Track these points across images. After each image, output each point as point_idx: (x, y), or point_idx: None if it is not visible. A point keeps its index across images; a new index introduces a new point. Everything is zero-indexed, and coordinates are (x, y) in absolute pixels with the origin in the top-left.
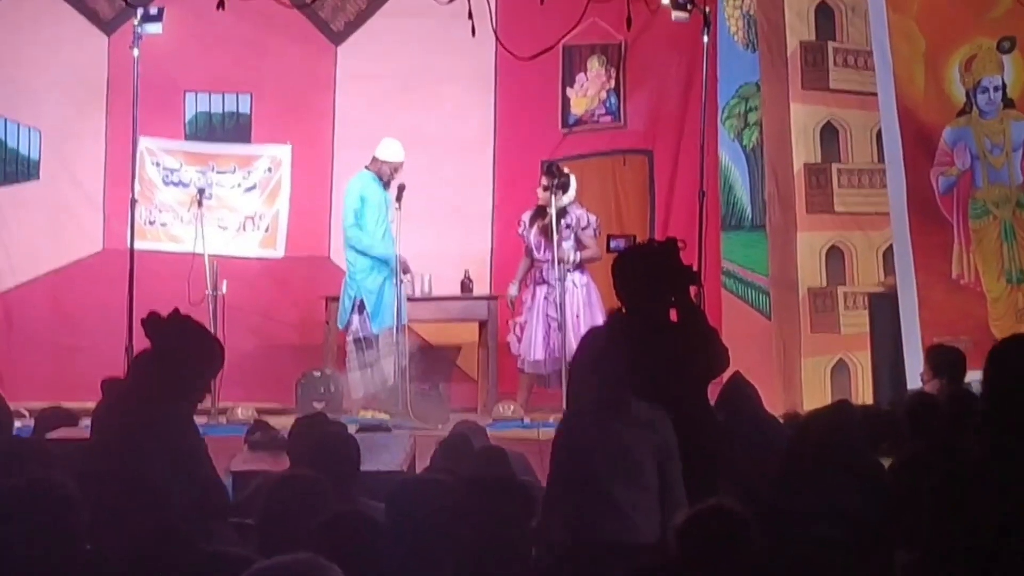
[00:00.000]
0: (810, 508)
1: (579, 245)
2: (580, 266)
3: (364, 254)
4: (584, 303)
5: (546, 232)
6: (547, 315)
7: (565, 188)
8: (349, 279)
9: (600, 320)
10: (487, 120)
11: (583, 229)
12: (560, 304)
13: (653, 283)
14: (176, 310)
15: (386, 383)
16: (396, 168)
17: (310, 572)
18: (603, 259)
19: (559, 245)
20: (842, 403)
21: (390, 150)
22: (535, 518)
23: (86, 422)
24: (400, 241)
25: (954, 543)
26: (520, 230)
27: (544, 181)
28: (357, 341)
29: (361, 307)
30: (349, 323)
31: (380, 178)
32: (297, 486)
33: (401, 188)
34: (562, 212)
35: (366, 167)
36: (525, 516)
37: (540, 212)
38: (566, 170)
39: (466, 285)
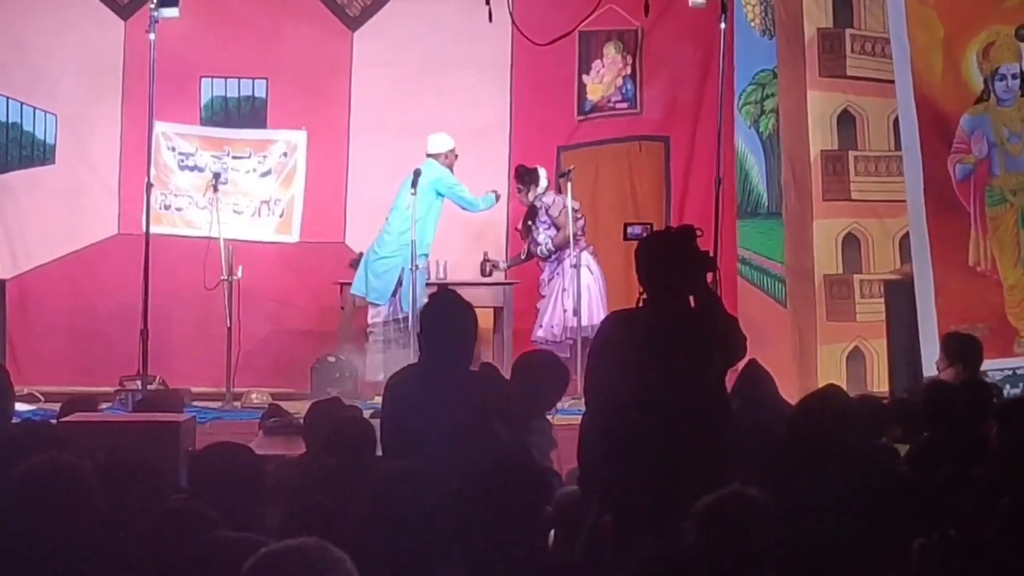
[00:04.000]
0: (815, 495)
1: (556, 229)
2: (578, 245)
3: (468, 209)
4: (568, 285)
5: (526, 231)
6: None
7: (536, 182)
8: (392, 253)
9: (596, 298)
10: (503, 106)
11: (548, 210)
12: (577, 290)
13: (671, 270)
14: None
15: None
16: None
17: (318, 558)
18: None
19: (535, 241)
20: (830, 387)
21: (445, 139)
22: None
23: (104, 407)
24: (415, 227)
25: (971, 528)
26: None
27: (517, 185)
28: (386, 323)
29: (399, 285)
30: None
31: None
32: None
33: (417, 173)
34: (532, 208)
35: (440, 163)
36: (539, 502)
37: (528, 213)
38: (533, 167)
39: (485, 268)
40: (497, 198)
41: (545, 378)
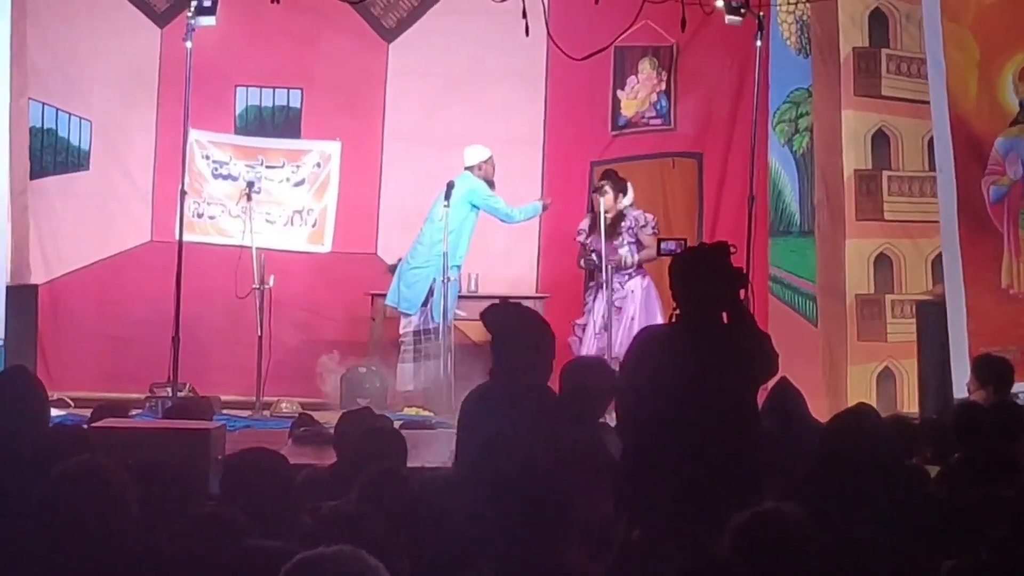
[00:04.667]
0: (845, 514)
1: (639, 246)
2: (641, 267)
3: (506, 221)
4: (641, 305)
5: (607, 235)
6: (603, 316)
7: (624, 191)
8: (423, 263)
9: (658, 320)
10: (537, 119)
11: (641, 228)
12: (610, 306)
13: (705, 286)
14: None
15: (437, 379)
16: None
17: (352, 565)
18: (658, 259)
19: (615, 250)
20: (861, 406)
21: (481, 150)
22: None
23: (134, 413)
24: (447, 239)
25: (1002, 550)
26: (580, 238)
27: (606, 185)
28: (417, 333)
29: (430, 295)
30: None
31: (489, 181)
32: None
33: (450, 185)
34: (619, 216)
35: (475, 176)
36: (563, 523)
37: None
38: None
39: (591, 262)
40: (545, 207)
41: (597, 382)
